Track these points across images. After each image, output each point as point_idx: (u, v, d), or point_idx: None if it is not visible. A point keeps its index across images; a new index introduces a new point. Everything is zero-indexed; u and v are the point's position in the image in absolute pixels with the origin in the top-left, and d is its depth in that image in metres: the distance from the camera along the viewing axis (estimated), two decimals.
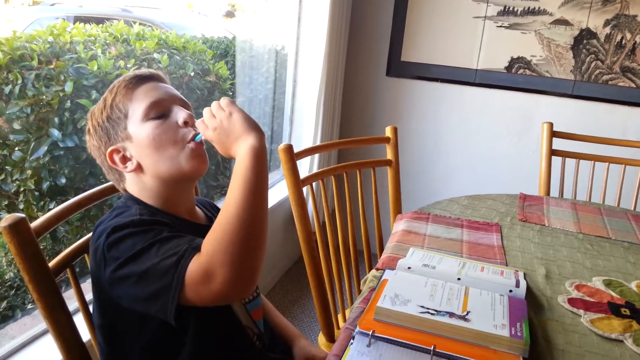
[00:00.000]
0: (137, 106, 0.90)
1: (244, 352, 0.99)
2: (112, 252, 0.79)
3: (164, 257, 0.76)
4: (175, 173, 0.90)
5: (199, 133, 0.90)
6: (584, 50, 2.47)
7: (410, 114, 2.81)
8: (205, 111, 0.85)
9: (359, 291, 1.43)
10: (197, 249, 0.75)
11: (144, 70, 0.95)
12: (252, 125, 0.82)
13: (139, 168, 0.91)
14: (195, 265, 0.73)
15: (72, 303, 0.95)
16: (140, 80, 0.92)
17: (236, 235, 0.73)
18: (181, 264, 0.74)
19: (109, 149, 0.92)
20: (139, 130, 0.90)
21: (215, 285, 0.71)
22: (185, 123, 0.91)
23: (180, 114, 0.91)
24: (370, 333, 0.85)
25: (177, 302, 0.73)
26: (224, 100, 0.84)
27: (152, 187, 0.92)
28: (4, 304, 1.55)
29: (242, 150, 0.79)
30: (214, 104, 0.85)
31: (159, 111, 0.90)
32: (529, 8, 2.50)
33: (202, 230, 0.94)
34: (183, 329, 0.87)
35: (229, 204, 0.75)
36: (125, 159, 0.92)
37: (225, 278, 0.71)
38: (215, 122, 0.83)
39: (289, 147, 1.40)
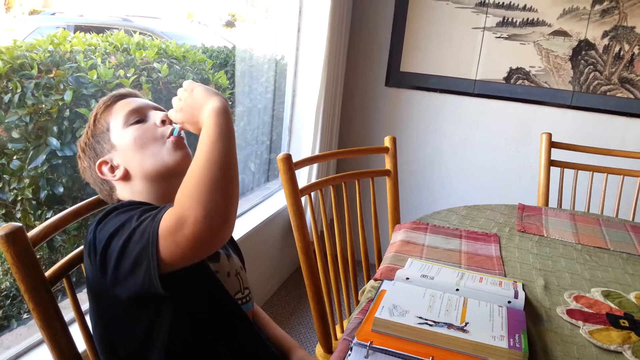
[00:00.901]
0: (117, 117, 0.98)
1: (239, 334, 0.99)
2: (100, 234, 0.82)
3: (141, 220, 0.79)
4: (160, 168, 0.95)
5: (175, 127, 0.97)
6: (582, 61, 2.48)
7: (409, 124, 2.82)
8: (173, 99, 0.93)
9: (357, 302, 1.43)
10: (169, 207, 0.78)
11: (120, 90, 1.04)
12: (212, 92, 0.89)
13: (127, 175, 0.97)
14: (167, 217, 0.76)
15: (68, 313, 0.95)
16: (117, 98, 1.01)
17: (203, 180, 0.76)
18: (156, 219, 0.77)
19: (97, 162, 0.98)
20: (121, 137, 0.96)
21: (189, 229, 0.73)
22: (163, 122, 0.98)
23: (156, 115, 0.99)
24: (368, 344, 0.84)
25: (158, 261, 0.75)
26: (185, 83, 0.92)
27: (143, 190, 0.97)
28: None
29: (205, 115, 0.85)
30: (179, 90, 0.92)
31: (137, 117, 0.98)
32: (528, 19, 2.51)
33: None
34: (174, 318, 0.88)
35: (196, 158, 0.80)
36: (113, 169, 0.97)
37: (197, 218, 0.73)
38: (181, 104, 0.91)
39: (288, 157, 1.40)
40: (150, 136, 0.96)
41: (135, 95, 1.04)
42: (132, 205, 0.88)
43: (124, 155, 0.96)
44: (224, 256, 1.02)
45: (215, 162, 0.78)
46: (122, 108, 0.98)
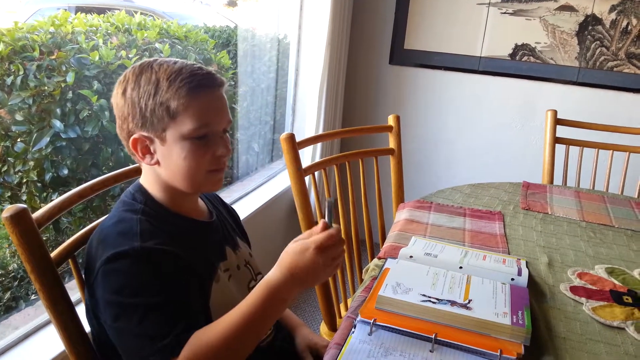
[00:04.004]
0: (188, 120, 0.86)
1: None
2: (106, 280, 0.81)
3: (139, 333, 0.78)
4: (190, 188, 0.91)
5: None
6: (589, 36, 2.44)
7: (413, 103, 2.80)
8: (318, 224, 0.83)
9: (361, 280, 1.44)
10: (173, 352, 0.76)
11: (208, 74, 0.89)
12: (286, 264, 0.80)
13: (157, 164, 0.90)
14: None
15: (74, 294, 0.96)
16: (202, 88, 0.87)
17: (225, 354, 0.77)
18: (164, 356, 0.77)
19: (137, 134, 0.88)
20: (177, 143, 0.87)
21: None
22: (220, 156, 0.91)
23: (220, 146, 0.90)
24: (372, 322, 0.85)
25: None
26: (326, 235, 0.81)
27: (165, 182, 0.92)
28: (7, 294, 1.56)
29: (265, 277, 0.82)
30: (333, 229, 0.82)
31: (205, 133, 0.88)
32: None
33: (202, 228, 0.96)
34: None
35: (223, 328, 0.79)
36: (146, 150, 0.89)
37: None
38: (301, 245, 0.81)
39: (291, 136, 1.40)
40: (200, 162, 0.89)
41: (220, 86, 0.90)
42: (142, 259, 0.82)
43: (166, 157, 0.89)
44: (230, 251, 1.01)
45: (237, 343, 0.78)
46: (199, 112, 0.86)
